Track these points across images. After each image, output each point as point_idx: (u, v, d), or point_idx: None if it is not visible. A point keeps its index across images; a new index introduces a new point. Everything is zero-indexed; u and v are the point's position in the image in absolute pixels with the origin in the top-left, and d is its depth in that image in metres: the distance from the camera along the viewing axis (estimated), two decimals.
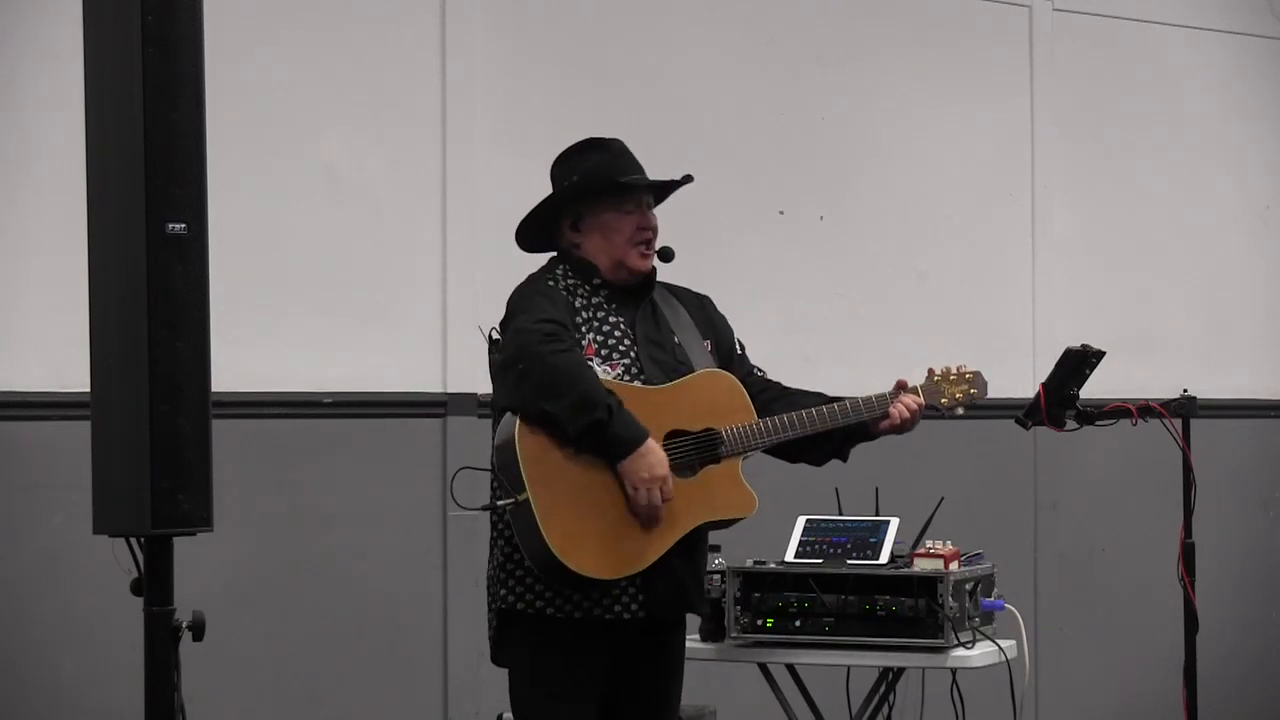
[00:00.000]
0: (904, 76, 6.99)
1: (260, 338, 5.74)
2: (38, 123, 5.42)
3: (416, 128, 6.01)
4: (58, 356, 5.32)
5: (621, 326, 4.25)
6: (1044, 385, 4.91)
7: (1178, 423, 4.85)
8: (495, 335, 4.23)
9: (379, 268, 5.96)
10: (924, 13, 7.05)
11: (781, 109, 6.75)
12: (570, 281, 4.26)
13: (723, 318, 4.50)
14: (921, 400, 4.50)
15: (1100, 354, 4.89)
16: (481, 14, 6.11)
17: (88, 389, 3.91)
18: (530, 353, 4.02)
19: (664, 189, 4.43)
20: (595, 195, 4.29)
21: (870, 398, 4.43)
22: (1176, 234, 7.57)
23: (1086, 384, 4.93)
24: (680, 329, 4.35)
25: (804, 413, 4.35)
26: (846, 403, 4.40)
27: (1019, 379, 7.05)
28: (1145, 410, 4.86)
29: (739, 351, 4.48)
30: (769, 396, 4.39)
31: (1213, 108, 7.65)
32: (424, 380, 5.98)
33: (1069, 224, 7.32)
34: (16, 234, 5.43)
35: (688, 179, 4.43)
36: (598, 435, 4.03)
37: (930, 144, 7.05)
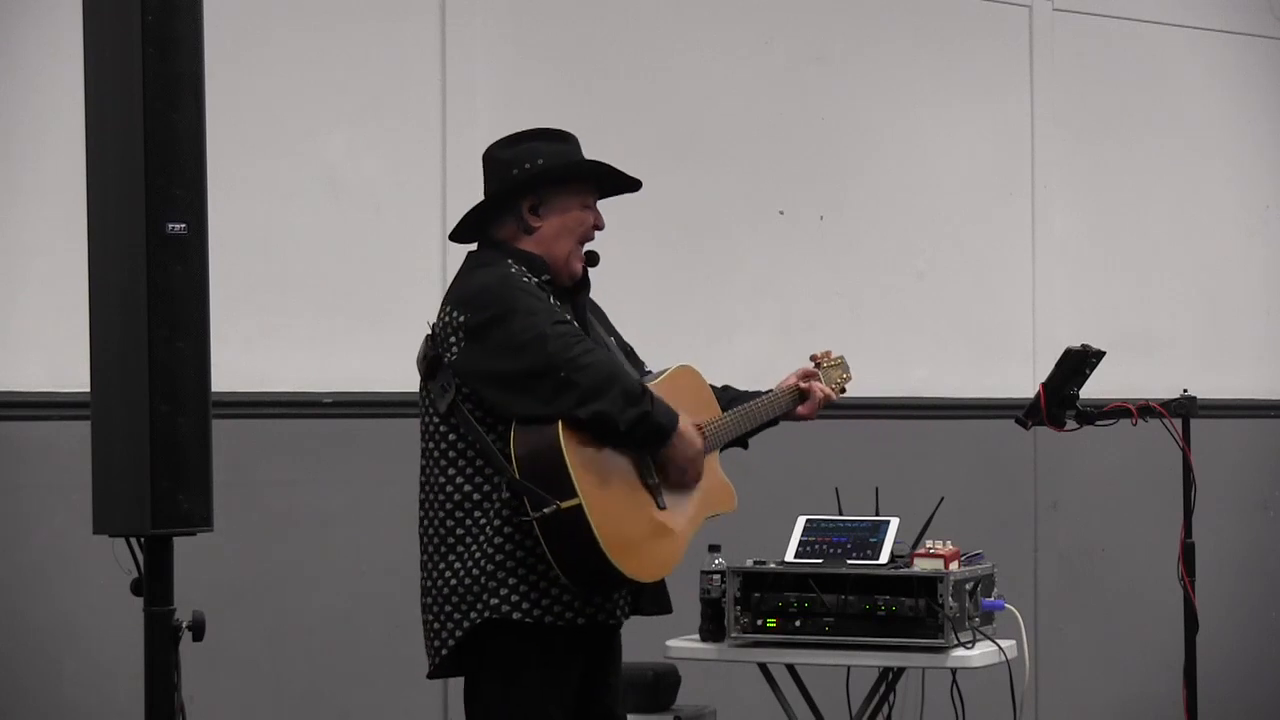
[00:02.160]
0: (904, 76, 7.00)
1: (260, 338, 5.75)
2: (38, 123, 5.42)
3: (416, 128, 6.02)
4: (58, 356, 5.33)
5: (576, 326, 4.20)
6: (1044, 385, 4.91)
7: (1178, 423, 4.85)
8: (436, 329, 4.16)
9: (379, 268, 5.96)
10: (924, 13, 7.05)
11: (781, 109, 6.75)
12: (531, 280, 4.16)
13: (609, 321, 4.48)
14: (825, 386, 4.60)
15: (1100, 354, 4.90)
16: (481, 14, 6.11)
17: (88, 389, 3.91)
18: (568, 359, 3.94)
19: (619, 187, 4.36)
20: (565, 182, 4.22)
21: (791, 387, 4.54)
22: (1176, 234, 7.57)
23: (1086, 384, 4.94)
24: (601, 329, 4.35)
25: (754, 405, 4.44)
26: (778, 394, 4.51)
27: (1019, 379, 7.06)
28: (1145, 410, 4.86)
29: (629, 349, 4.46)
30: None
31: (1213, 108, 7.66)
32: None
33: (1069, 224, 7.32)
34: (16, 234, 5.44)
35: (637, 185, 4.38)
36: (646, 425, 4.01)
37: (930, 144, 7.05)
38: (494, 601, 4.04)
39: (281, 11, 5.83)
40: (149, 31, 3.78)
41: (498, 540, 4.05)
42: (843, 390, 4.71)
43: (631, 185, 4.37)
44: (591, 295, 4.36)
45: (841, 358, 4.74)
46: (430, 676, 4.21)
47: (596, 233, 4.28)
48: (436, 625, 4.13)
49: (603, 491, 3.98)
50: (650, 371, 4.40)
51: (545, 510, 3.91)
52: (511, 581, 4.04)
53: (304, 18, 5.86)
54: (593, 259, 4.29)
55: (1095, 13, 7.37)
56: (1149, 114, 7.52)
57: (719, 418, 4.34)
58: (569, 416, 3.94)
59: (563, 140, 4.29)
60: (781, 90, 6.75)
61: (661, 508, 4.12)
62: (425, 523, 4.21)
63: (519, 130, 4.33)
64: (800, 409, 4.54)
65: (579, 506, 3.91)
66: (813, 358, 4.68)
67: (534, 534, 3.97)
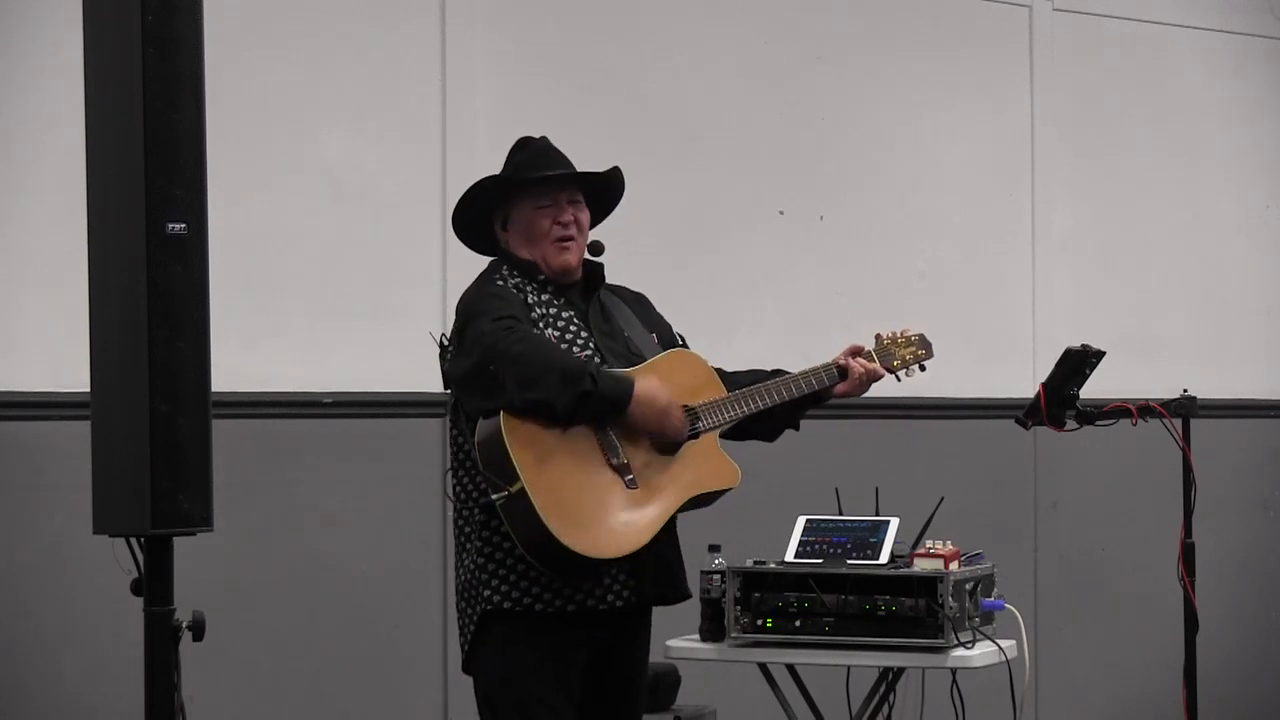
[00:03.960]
0: (904, 76, 7.00)
1: (260, 338, 5.75)
2: (38, 123, 5.41)
3: (416, 128, 6.02)
4: (58, 356, 5.32)
5: (575, 321, 4.27)
6: (1044, 385, 4.91)
7: (1178, 423, 4.85)
8: (444, 340, 4.23)
9: (379, 268, 5.96)
10: (924, 13, 7.05)
11: (781, 109, 6.75)
12: (516, 280, 4.26)
13: (661, 316, 4.53)
14: (875, 365, 4.55)
15: (1100, 354, 4.90)
16: (481, 14, 6.11)
17: (88, 389, 3.91)
18: (497, 352, 4.02)
19: (588, 183, 4.36)
20: (509, 194, 4.30)
21: (830, 365, 4.52)
22: (1176, 234, 7.57)
23: (1086, 384, 4.93)
24: (626, 323, 4.38)
25: (772, 385, 4.42)
26: (809, 373, 4.48)
27: (1019, 379, 7.05)
28: (1145, 410, 4.86)
29: (680, 343, 4.50)
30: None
31: (1213, 108, 7.66)
32: (424, 380, 5.95)
33: (1069, 224, 7.32)
34: (16, 234, 5.44)
35: (614, 171, 4.38)
36: (590, 402, 4.06)
37: (930, 144, 7.05)
38: (487, 593, 4.13)
39: (281, 11, 5.82)
40: (149, 31, 3.78)
41: (485, 534, 4.13)
42: (917, 368, 4.67)
43: (589, 175, 4.37)
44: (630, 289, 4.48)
45: (919, 335, 4.69)
46: (463, 670, 4.28)
47: (563, 229, 4.28)
48: (461, 621, 4.24)
49: (549, 474, 4.03)
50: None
51: (494, 496, 4.00)
52: (501, 573, 4.13)
53: (303, 18, 5.86)
54: (595, 248, 4.35)
55: (1095, 13, 7.37)
56: (1149, 114, 7.52)
57: (721, 397, 4.35)
58: (510, 407, 4.02)
59: (524, 149, 4.35)
60: (781, 90, 6.75)
61: (632, 486, 4.14)
62: (453, 520, 4.29)
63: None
64: (839, 386, 4.52)
65: (523, 489, 3.98)
66: (878, 336, 4.66)
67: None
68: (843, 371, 4.52)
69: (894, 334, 4.67)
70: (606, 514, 4.10)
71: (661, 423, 4.16)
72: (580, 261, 4.34)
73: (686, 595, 4.36)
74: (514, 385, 4.01)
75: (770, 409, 4.43)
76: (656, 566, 4.23)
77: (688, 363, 4.37)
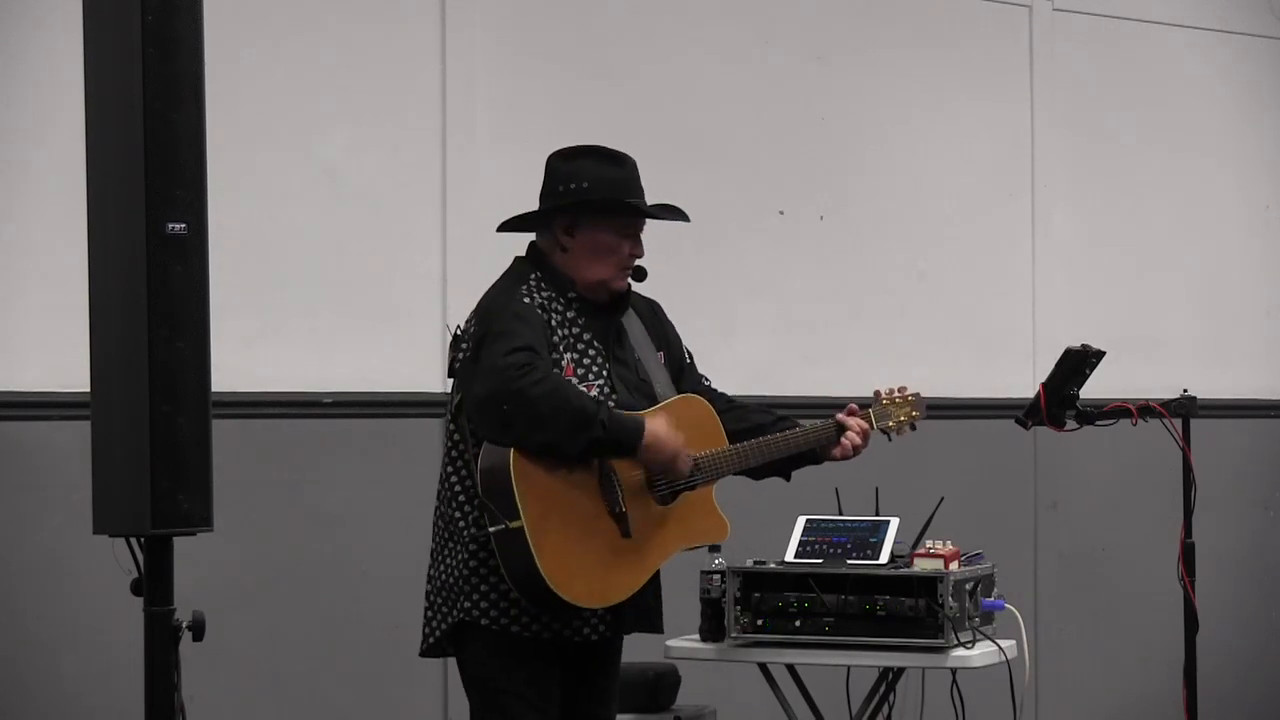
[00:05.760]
0: (904, 76, 7.00)
1: (260, 338, 5.75)
2: (38, 123, 5.42)
3: (416, 127, 6.02)
4: (58, 356, 5.32)
5: (595, 345, 4.25)
6: (1044, 385, 4.92)
7: (1178, 423, 4.85)
8: (459, 331, 4.21)
9: (379, 268, 5.96)
10: (924, 13, 7.05)
11: (781, 109, 6.75)
12: (545, 295, 4.21)
13: (672, 325, 4.51)
14: (870, 425, 4.57)
15: (1100, 354, 4.90)
16: (481, 13, 6.12)
17: (88, 389, 3.91)
18: (510, 391, 3.98)
19: (662, 217, 4.39)
20: (602, 212, 4.25)
21: (827, 423, 4.50)
22: (1176, 234, 7.57)
23: (1086, 384, 4.94)
24: (638, 344, 4.36)
25: (767, 440, 4.40)
26: (807, 427, 4.47)
27: (1019, 379, 7.06)
28: (1145, 410, 4.86)
29: (688, 361, 4.49)
30: (718, 409, 4.42)
31: (1213, 108, 7.66)
32: (424, 380, 5.98)
33: (1069, 224, 7.32)
34: (16, 234, 5.44)
35: (684, 218, 4.40)
36: (600, 448, 4.06)
37: (930, 144, 7.05)
38: (467, 605, 4.15)
39: (282, 11, 5.83)
40: (149, 31, 3.78)
41: (473, 547, 4.14)
42: (908, 428, 4.69)
43: (680, 218, 4.39)
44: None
45: (915, 395, 4.72)
46: (421, 655, 4.35)
47: (635, 258, 4.30)
48: (430, 613, 4.27)
49: (550, 517, 4.03)
50: (711, 385, 4.47)
51: (492, 529, 4.01)
52: (483, 589, 4.14)
53: (304, 18, 5.86)
54: (638, 274, 4.33)
55: (1095, 13, 7.37)
56: (1149, 114, 7.52)
57: (721, 450, 4.34)
58: (520, 446, 4.01)
59: (617, 165, 4.29)
60: (781, 90, 6.75)
61: (626, 536, 4.14)
62: (435, 512, 4.30)
63: (579, 145, 4.35)
64: (835, 450, 4.50)
65: (521, 529, 3.98)
66: (877, 393, 4.67)
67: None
68: (840, 427, 4.50)
69: (892, 392, 4.68)
70: (599, 564, 4.11)
71: (668, 467, 4.17)
72: None
73: (659, 631, 4.37)
74: (525, 426, 3.99)
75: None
76: (637, 606, 4.25)
77: (693, 410, 4.35)
